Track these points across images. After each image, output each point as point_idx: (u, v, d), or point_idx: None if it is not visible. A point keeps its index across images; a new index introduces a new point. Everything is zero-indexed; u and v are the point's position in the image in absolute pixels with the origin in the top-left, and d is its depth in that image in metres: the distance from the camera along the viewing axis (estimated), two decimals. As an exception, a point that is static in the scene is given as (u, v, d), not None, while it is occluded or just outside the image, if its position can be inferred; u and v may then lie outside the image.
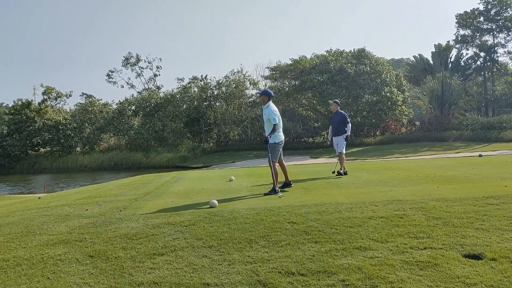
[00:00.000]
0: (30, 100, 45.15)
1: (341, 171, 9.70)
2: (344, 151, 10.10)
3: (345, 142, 10.12)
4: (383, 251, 3.73)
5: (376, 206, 5.53)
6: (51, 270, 3.80)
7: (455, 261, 3.41)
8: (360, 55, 40.02)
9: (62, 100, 47.29)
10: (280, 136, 7.80)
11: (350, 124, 10.15)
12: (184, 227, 4.98)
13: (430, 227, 4.40)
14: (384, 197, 6.25)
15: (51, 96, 46.22)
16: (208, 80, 45.01)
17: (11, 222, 6.20)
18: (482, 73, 50.40)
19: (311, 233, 4.42)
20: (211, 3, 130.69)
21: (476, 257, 3.51)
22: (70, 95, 47.46)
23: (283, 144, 7.98)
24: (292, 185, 8.06)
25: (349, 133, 10.07)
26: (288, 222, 4.90)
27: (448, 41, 49.80)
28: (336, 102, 10.34)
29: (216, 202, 6.29)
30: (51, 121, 42.65)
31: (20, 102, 44.10)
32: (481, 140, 32.53)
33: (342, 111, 10.27)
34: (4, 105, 75.68)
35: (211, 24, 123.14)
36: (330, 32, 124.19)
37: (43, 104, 44.95)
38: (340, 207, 5.61)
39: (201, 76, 45.59)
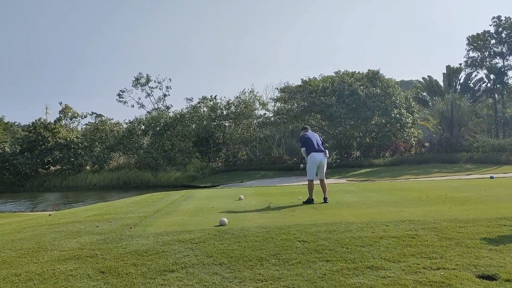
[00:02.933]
0: (47, 121, 45.75)
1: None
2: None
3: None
4: (396, 271, 3.70)
5: (387, 226, 5.50)
6: (63, 285, 3.82)
7: (469, 282, 3.37)
8: (374, 77, 40.13)
9: (76, 120, 47.90)
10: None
11: (303, 148, 9.00)
12: (194, 244, 4.98)
13: (443, 248, 4.36)
14: (395, 217, 6.20)
15: (66, 116, 46.81)
16: (218, 100, 45.45)
17: (23, 238, 6.24)
18: (492, 95, 50.24)
19: (322, 252, 4.39)
20: (221, 23, 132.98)
21: (490, 278, 3.46)
22: (85, 116, 48.06)
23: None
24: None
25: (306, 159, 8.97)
26: (299, 241, 4.88)
27: (460, 64, 49.88)
28: (306, 128, 9.46)
29: (226, 220, 6.28)
30: (64, 140, 43.11)
31: (39, 122, 44.72)
32: (492, 162, 32.17)
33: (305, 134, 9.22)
34: (16, 124, 76.82)
35: (221, 44, 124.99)
36: (340, 53, 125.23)
37: (58, 123, 45.51)
38: (351, 226, 5.58)
39: (211, 96, 46.08)
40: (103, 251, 4.92)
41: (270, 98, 46.39)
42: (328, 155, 9.07)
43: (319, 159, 8.77)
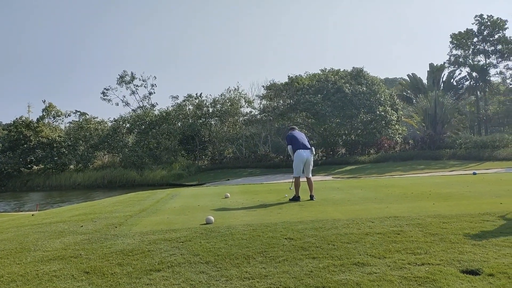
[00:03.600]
0: (29, 119, 44.93)
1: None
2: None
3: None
4: (381, 267, 3.73)
5: (373, 223, 5.54)
6: (46, 286, 3.75)
7: (453, 277, 3.42)
8: (358, 75, 40.46)
9: (60, 119, 47.15)
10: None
11: (290, 146, 9.03)
12: (181, 243, 4.95)
13: (427, 243, 4.41)
14: (381, 213, 6.26)
15: (49, 114, 46.06)
16: (203, 98, 45.28)
17: (5, 239, 6.12)
18: (475, 93, 51.10)
19: (308, 249, 4.41)
20: (206, 21, 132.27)
21: (474, 272, 3.52)
22: (69, 115, 47.35)
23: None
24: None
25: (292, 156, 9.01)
26: (285, 238, 4.89)
27: (444, 63, 50.60)
28: (293, 128, 9.49)
29: (212, 218, 6.26)
30: (46, 139, 42.43)
31: (20, 121, 43.89)
32: (475, 158, 32.75)
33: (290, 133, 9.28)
34: (-3, 122, 75.34)
35: (207, 42, 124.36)
36: (324, 51, 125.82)
37: (41, 122, 44.73)
38: (337, 223, 5.61)
39: (196, 94, 45.89)
40: (87, 251, 4.86)
41: (256, 96, 46.44)
42: (314, 153, 9.10)
43: (306, 156, 8.80)
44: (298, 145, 8.86)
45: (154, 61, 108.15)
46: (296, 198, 8.64)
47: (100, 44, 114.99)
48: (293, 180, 8.95)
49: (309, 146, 8.95)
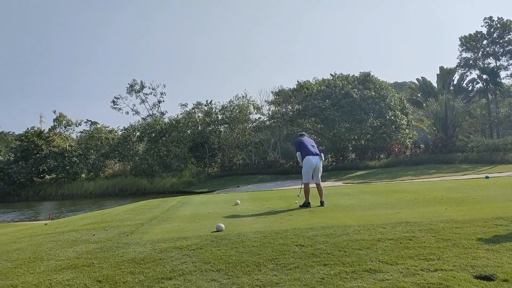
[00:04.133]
0: (41, 129, 45.52)
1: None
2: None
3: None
4: (394, 274, 3.69)
5: (384, 228, 5.50)
6: (60, 296, 3.79)
7: (466, 283, 3.37)
8: (366, 80, 40.34)
9: (71, 128, 47.73)
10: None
11: (298, 152, 9.06)
12: (192, 251, 4.96)
13: (440, 249, 4.37)
14: (392, 219, 6.21)
15: (61, 124, 46.64)
16: (212, 105, 45.48)
17: (19, 248, 6.19)
18: (486, 95, 50.60)
19: (319, 255, 4.39)
20: (213, 28, 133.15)
21: (488, 278, 3.47)
22: (79, 124, 47.92)
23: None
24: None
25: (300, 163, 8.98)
26: (296, 245, 4.88)
27: (456, 66, 50.22)
28: (302, 134, 9.56)
29: (222, 225, 6.27)
30: (58, 148, 42.90)
31: (32, 130, 44.46)
32: (487, 162, 32.33)
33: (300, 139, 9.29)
34: (10, 133, 76.37)
35: (214, 49, 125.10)
36: (334, 56, 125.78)
37: (52, 132, 45.30)
38: (348, 229, 5.58)
39: (206, 101, 46.10)
40: (100, 259, 4.89)
41: (265, 101, 46.50)
42: (323, 158, 9.08)
43: (314, 162, 8.78)
44: (306, 151, 8.85)
45: (164, 69, 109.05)
46: (306, 204, 8.62)
47: (109, 53, 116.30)
48: (302, 187, 8.93)
49: (317, 152, 8.92)
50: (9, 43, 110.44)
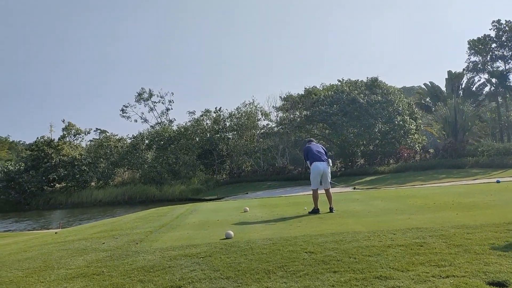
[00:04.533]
0: (51, 138, 45.96)
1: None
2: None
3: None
4: (405, 280, 3.66)
5: (395, 235, 5.45)
6: (70, 304, 3.80)
7: (479, 289, 3.33)
8: (373, 85, 40.22)
9: (80, 137, 48.13)
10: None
11: (308, 161, 9.01)
12: (201, 258, 4.95)
13: (452, 255, 4.31)
14: (402, 225, 6.16)
15: (70, 133, 47.05)
16: (221, 112, 45.59)
17: (29, 257, 6.23)
18: (495, 99, 50.15)
19: (329, 262, 4.36)
20: (221, 36, 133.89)
21: (501, 284, 3.42)
22: (88, 132, 48.29)
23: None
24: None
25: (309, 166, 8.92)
26: (306, 252, 4.85)
27: (463, 69, 49.91)
28: (310, 140, 9.52)
29: (232, 233, 6.26)
30: (67, 157, 43.24)
31: (42, 140, 44.91)
32: (498, 166, 31.99)
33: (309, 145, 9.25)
34: (21, 142, 77.24)
35: (222, 56, 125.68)
36: (342, 61, 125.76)
37: (62, 141, 45.70)
38: (358, 236, 5.54)
39: (215, 108, 46.24)
40: (109, 268, 4.90)
41: (273, 107, 46.50)
42: (331, 164, 9.04)
43: (322, 168, 8.75)
44: (314, 157, 8.83)
45: (171, 76, 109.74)
46: (315, 211, 8.58)
47: (118, 63, 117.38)
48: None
49: (325, 158, 8.89)
50: (20, 53, 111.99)
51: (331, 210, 8.54)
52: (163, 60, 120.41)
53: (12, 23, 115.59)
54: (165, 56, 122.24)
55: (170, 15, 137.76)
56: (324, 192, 8.89)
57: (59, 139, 46.18)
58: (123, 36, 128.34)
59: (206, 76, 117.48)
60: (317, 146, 9.16)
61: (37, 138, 45.39)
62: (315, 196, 8.74)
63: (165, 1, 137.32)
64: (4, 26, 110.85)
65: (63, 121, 47.11)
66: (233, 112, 44.72)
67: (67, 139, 46.87)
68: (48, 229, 20.17)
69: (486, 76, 49.74)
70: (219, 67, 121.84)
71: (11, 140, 73.36)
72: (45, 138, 45.41)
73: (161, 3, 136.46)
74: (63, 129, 46.90)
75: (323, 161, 8.81)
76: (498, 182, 14.49)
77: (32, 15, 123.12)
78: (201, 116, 45.99)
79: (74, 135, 47.61)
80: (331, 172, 9.22)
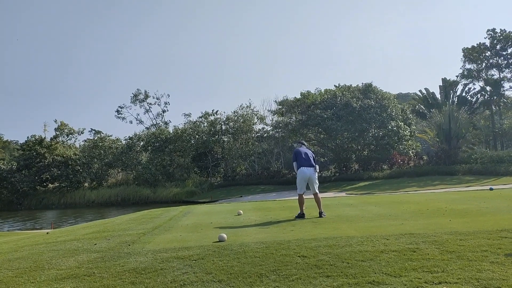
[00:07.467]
0: (42, 137, 45.63)
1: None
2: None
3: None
4: (397, 286, 3.65)
5: (388, 240, 5.46)
6: (60, 305, 3.75)
7: (471, 296, 3.33)
8: (367, 90, 40.40)
9: (73, 137, 47.81)
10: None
11: (295, 163, 9.05)
12: (193, 261, 4.93)
13: (444, 261, 4.32)
14: (396, 230, 6.16)
15: (63, 132, 46.75)
16: (218, 115, 45.55)
17: (20, 257, 6.17)
18: (489, 107, 50.48)
19: (322, 267, 4.35)
20: (218, 38, 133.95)
21: (493, 291, 3.42)
22: (82, 132, 47.96)
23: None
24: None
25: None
26: (299, 256, 4.84)
27: (457, 76, 50.23)
28: (302, 143, 9.50)
29: (225, 236, 6.23)
30: (61, 157, 42.96)
31: (33, 139, 44.56)
32: (491, 173, 32.15)
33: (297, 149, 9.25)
34: (14, 142, 76.67)
35: (218, 59, 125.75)
36: (337, 67, 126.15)
37: (54, 140, 45.38)
38: (351, 240, 5.54)
39: (212, 110, 46.16)
40: (101, 269, 4.86)
41: (268, 110, 46.51)
42: (318, 170, 9.02)
43: (308, 173, 8.76)
44: (301, 162, 8.85)
45: (166, 78, 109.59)
46: (300, 215, 8.57)
47: (114, 63, 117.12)
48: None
49: (312, 164, 8.88)
50: (13, 52, 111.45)
51: (320, 215, 8.53)
52: (161, 62, 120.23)
53: (7, 22, 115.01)
54: (162, 58, 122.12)
55: (170, 16, 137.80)
56: (313, 197, 8.90)
57: (51, 139, 45.84)
58: (124, 36, 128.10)
59: (204, 79, 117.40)
60: (306, 151, 9.13)
61: (28, 137, 45.08)
62: (301, 201, 8.75)
63: (166, 5, 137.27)
64: None
65: (55, 121, 46.87)
66: (230, 116, 44.71)
67: (60, 139, 46.53)
68: (41, 229, 20.00)
69: (480, 84, 50.09)
70: (218, 69, 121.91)
71: (4, 140, 72.75)
72: (36, 137, 45.05)
73: (161, 6, 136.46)
74: (55, 129, 46.61)
75: (310, 166, 8.81)
76: (491, 189, 14.57)
77: (27, 14, 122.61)
78: (200, 117, 45.94)
79: (67, 135, 47.30)
80: (326, 177, 9.24)
